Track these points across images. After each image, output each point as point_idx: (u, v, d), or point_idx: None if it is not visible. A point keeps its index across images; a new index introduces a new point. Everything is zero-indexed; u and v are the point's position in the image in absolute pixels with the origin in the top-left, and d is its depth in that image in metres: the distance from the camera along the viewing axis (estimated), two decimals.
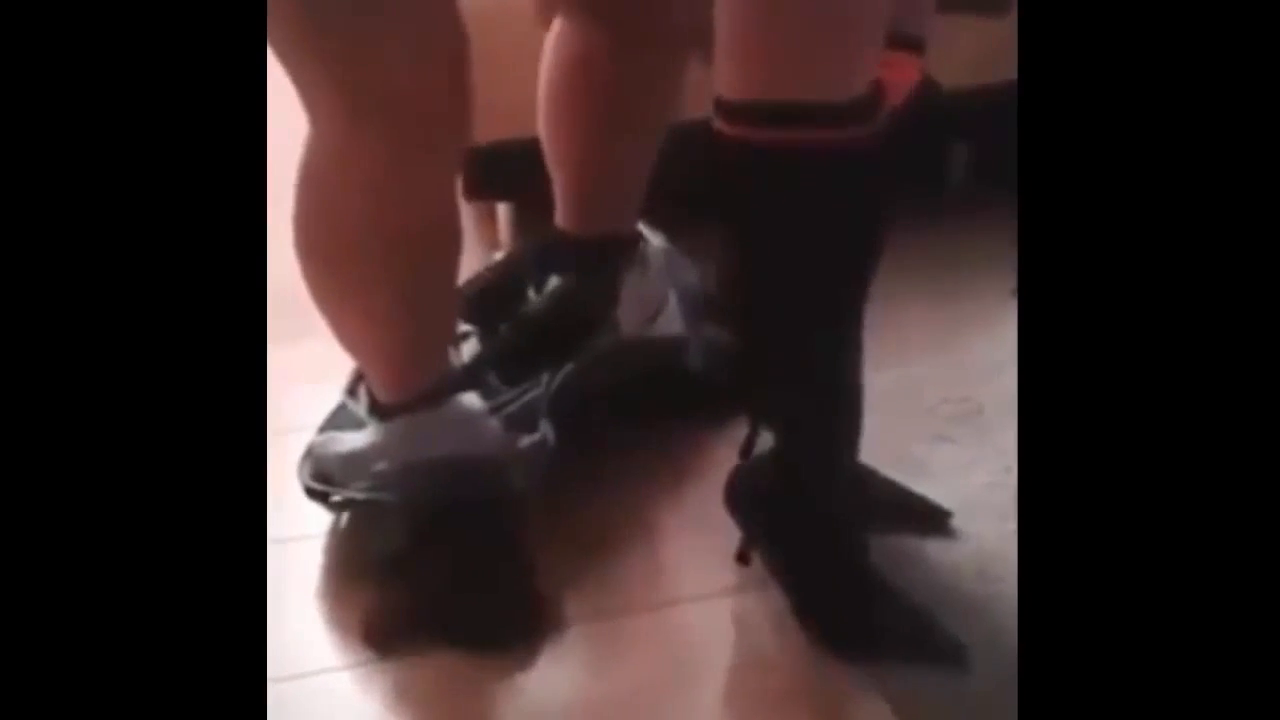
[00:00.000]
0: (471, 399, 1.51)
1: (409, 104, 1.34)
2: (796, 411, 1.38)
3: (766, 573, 1.45)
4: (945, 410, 1.73)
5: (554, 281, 1.70)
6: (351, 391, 1.59)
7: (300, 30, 1.29)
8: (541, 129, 1.70)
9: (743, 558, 1.45)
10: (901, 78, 1.38)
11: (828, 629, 1.40)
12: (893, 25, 1.31)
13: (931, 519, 1.53)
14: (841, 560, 1.42)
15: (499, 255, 1.89)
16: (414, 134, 1.35)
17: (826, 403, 1.37)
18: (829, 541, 1.41)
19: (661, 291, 1.71)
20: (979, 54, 1.90)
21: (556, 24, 1.66)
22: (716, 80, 1.23)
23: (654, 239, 1.75)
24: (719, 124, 1.23)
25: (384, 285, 1.43)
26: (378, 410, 1.52)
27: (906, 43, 1.38)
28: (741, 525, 1.45)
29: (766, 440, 1.43)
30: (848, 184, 1.24)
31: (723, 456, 1.63)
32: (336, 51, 1.31)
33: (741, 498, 1.45)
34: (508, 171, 1.76)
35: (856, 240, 1.29)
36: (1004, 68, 2.01)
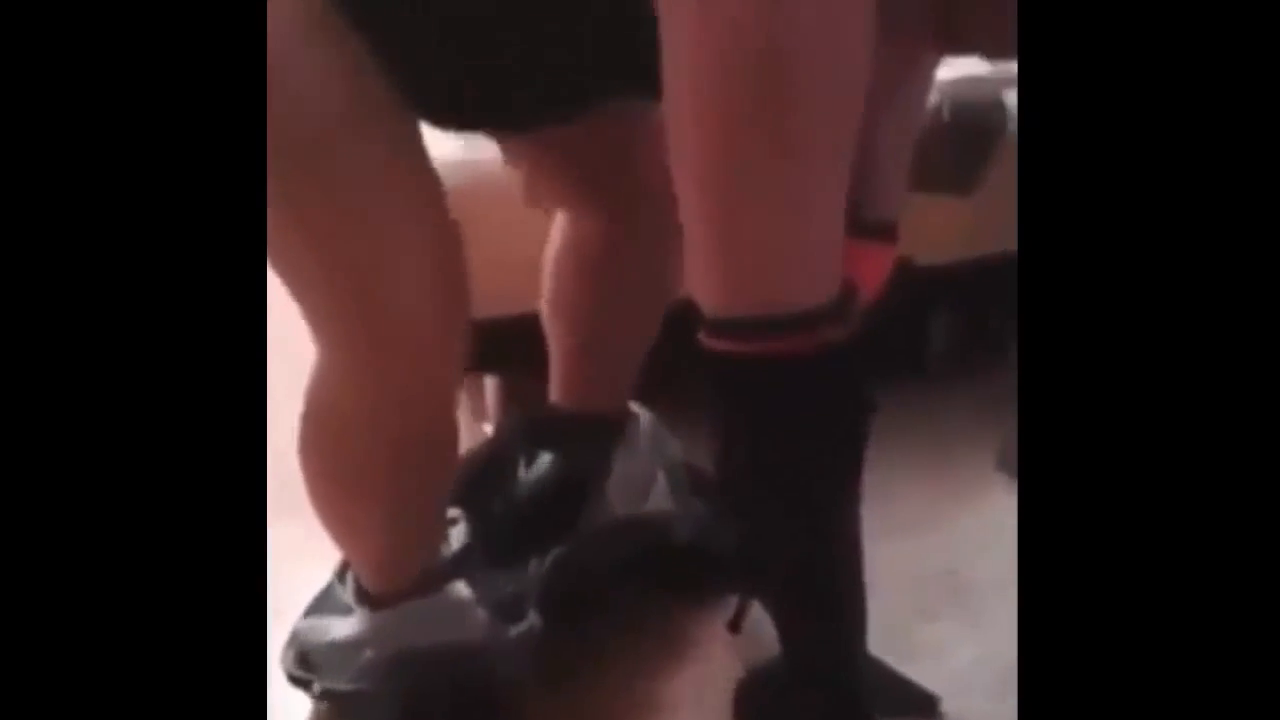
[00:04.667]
0: (460, 588, 1.51)
1: (423, 329, 1.36)
2: (807, 607, 1.37)
3: None
4: (932, 586, 1.72)
5: (544, 458, 1.70)
6: (340, 575, 1.58)
7: (308, 264, 1.33)
8: (544, 309, 1.73)
9: None
10: (875, 270, 1.39)
11: None
12: (864, 212, 1.32)
13: (918, 705, 1.52)
14: None
15: (488, 426, 1.90)
16: (426, 353, 1.38)
17: (835, 594, 1.36)
18: None
19: (651, 468, 1.72)
20: (951, 231, 1.95)
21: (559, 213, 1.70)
22: (693, 295, 1.24)
23: (643, 415, 1.75)
24: (702, 337, 1.23)
25: (384, 496, 1.45)
26: (365, 599, 1.51)
27: (879, 229, 1.39)
28: None
29: (763, 638, 1.40)
30: (831, 384, 1.25)
31: (715, 631, 1.63)
32: (347, 285, 1.34)
33: (751, 712, 1.45)
34: (497, 346, 1.78)
35: (844, 434, 1.29)
36: (976, 243, 2.07)
